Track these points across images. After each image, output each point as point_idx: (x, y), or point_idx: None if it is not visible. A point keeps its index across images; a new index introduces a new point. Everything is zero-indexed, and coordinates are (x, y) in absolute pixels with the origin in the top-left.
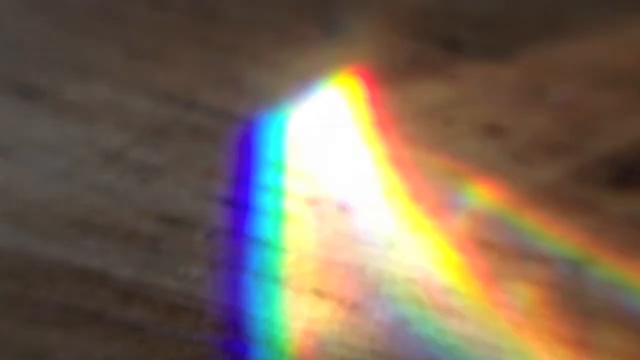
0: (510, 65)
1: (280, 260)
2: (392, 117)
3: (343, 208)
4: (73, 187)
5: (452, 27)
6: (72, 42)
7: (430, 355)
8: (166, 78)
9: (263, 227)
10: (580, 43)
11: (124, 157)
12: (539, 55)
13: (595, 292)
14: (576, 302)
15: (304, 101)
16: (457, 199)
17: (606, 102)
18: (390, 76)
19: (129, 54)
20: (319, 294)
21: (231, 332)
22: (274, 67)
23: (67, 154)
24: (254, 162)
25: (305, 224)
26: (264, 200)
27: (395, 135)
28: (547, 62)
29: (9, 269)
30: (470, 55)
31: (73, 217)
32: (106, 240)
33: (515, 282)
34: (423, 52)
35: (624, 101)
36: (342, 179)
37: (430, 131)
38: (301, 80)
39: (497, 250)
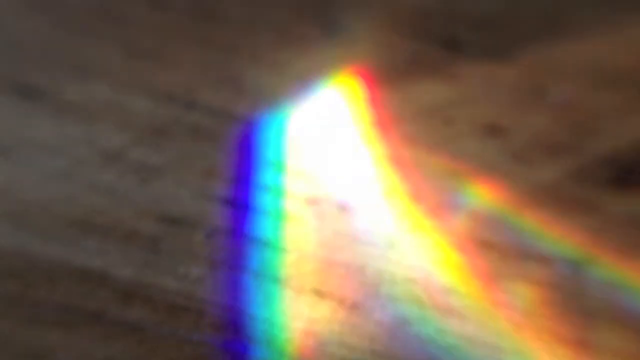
0: (510, 65)
1: (280, 260)
2: (392, 117)
3: (343, 208)
4: (73, 187)
5: (452, 27)
6: (72, 42)
7: (430, 355)
8: (166, 78)
9: (263, 227)
10: (580, 43)
11: (124, 157)
12: (539, 55)
13: (595, 292)
14: (576, 302)
15: (304, 101)
16: (457, 199)
17: (606, 102)
18: (390, 76)
19: (129, 54)
20: (319, 294)
21: (231, 332)
22: (274, 67)
23: (67, 154)
24: (254, 162)
25: (305, 224)
26: (264, 200)
27: (395, 135)
28: (547, 62)
29: (9, 269)
30: (470, 55)
31: (73, 217)
32: (106, 240)
33: (515, 282)
34: (423, 52)
35: (624, 101)
36: (342, 179)
37: (430, 131)
38: (301, 80)
39: (497, 250)
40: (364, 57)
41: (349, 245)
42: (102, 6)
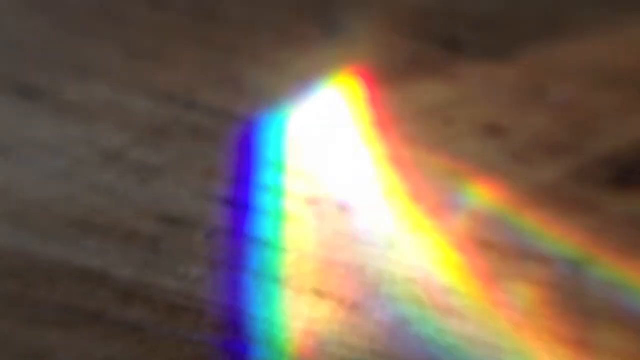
0: (510, 65)
1: (280, 260)
2: (392, 117)
3: (343, 208)
4: (73, 187)
5: (452, 27)
6: (72, 42)
7: (430, 355)
8: (166, 78)
9: (263, 227)
10: (580, 43)
11: (124, 157)
12: (539, 55)
13: (595, 292)
14: (576, 302)
15: (304, 101)
16: (457, 199)
17: (606, 102)
18: (390, 76)
19: (129, 54)
20: (319, 294)
21: (231, 332)
22: (274, 67)
23: (67, 154)
24: (254, 162)
25: (305, 224)
26: (264, 200)
27: (395, 135)
28: (547, 62)
29: (9, 269)
30: (470, 55)
31: (73, 217)
32: (106, 240)
33: (515, 282)
34: (423, 52)
35: (624, 101)
36: (342, 179)
37: (430, 131)
38: (301, 80)
39: (497, 250)
40: (364, 57)
41: (349, 245)
42: (102, 6)
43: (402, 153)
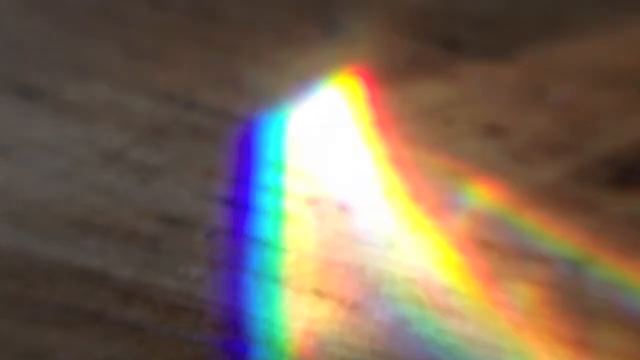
0: (510, 65)
1: (280, 260)
2: (392, 117)
3: (343, 208)
4: (73, 187)
5: (452, 27)
6: (72, 42)
7: (430, 355)
8: (166, 78)
9: (263, 227)
10: (580, 43)
11: (124, 157)
12: (539, 55)
13: (595, 292)
14: (576, 302)
15: (304, 101)
16: (457, 199)
17: (606, 102)
18: (390, 76)
19: (129, 54)
20: (319, 294)
21: (231, 332)
22: (274, 67)
23: (67, 154)
24: (254, 162)
25: (305, 224)
26: (264, 200)
27: (395, 135)
28: (547, 62)
29: (9, 269)
30: (470, 55)
31: (73, 217)
32: (106, 240)
33: (515, 282)
34: (423, 52)
35: (624, 101)
36: (342, 179)
37: (430, 131)
38: (301, 80)
39: (497, 250)
40: (364, 57)
41: (349, 245)
42: (102, 6)
43: (402, 153)
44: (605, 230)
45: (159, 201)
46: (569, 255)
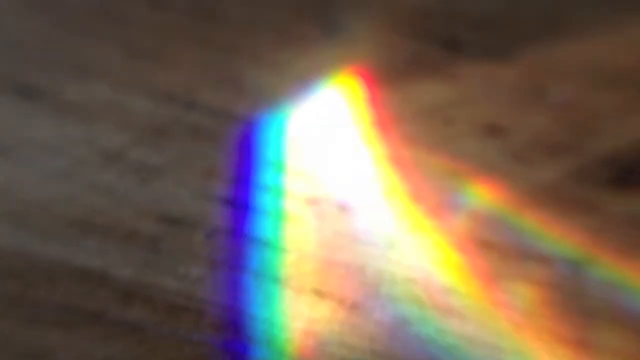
0: (510, 65)
1: (280, 260)
2: (392, 117)
3: (343, 208)
4: (73, 187)
5: (452, 27)
6: (72, 42)
7: (430, 355)
8: (166, 78)
9: (263, 227)
10: (580, 43)
11: (124, 157)
12: (539, 55)
13: (595, 292)
14: (576, 302)
15: (304, 101)
16: (457, 199)
17: (606, 102)
18: (390, 76)
19: (129, 54)
20: (319, 294)
21: (231, 332)
22: (274, 67)
23: (67, 154)
24: (254, 162)
25: (305, 224)
26: (264, 200)
27: (395, 135)
28: (547, 62)
29: (9, 269)
30: (470, 55)
31: (73, 217)
32: (106, 240)
33: (515, 282)
34: (423, 52)
35: (624, 101)
36: (342, 179)
37: (430, 131)
38: (301, 80)
39: (497, 250)
40: (364, 57)
41: (349, 245)
42: (102, 6)
43: (402, 153)
44: (605, 230)
45: (159, 201)
46: (569, 255)
